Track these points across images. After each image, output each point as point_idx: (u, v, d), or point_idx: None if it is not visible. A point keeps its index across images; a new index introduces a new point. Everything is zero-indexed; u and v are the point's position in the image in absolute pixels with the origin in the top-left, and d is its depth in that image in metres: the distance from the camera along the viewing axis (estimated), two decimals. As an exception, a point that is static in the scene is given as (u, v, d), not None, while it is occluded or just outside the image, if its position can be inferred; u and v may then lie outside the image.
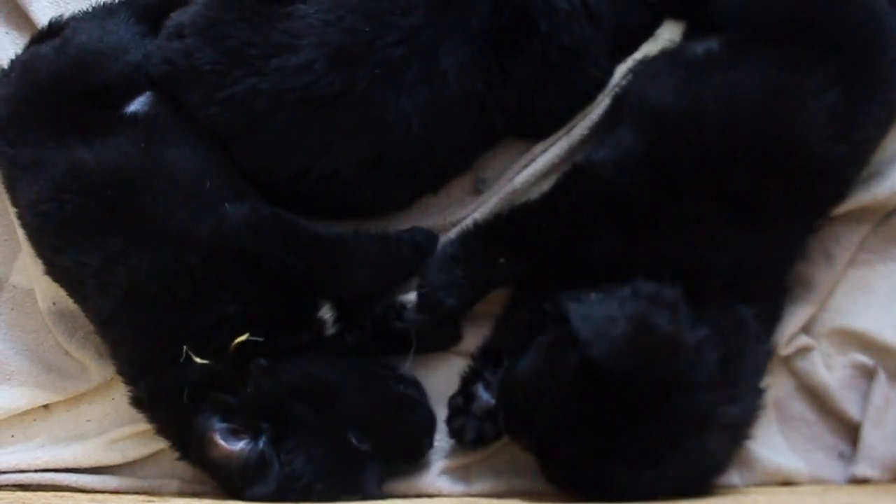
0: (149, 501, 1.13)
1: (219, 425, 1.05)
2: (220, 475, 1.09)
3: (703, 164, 1.10)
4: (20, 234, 1.25)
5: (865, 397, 1.23)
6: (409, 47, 1.12)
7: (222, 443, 1.05)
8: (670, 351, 1.00)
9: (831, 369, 1.24)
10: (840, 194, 1.20)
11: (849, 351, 1.25)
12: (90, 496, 1.19)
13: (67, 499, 1.12)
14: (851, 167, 1.18)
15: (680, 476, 1.03)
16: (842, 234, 1.24)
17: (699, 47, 1.18)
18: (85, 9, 1.28)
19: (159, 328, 1.11)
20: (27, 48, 1.26)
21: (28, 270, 1.29)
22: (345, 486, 1.09)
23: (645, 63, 1.24)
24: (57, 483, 1.23)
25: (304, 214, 1.20)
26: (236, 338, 1.08)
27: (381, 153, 1.16)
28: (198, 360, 1.07)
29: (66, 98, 1.18)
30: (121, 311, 1.12)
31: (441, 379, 1.25)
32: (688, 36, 1.26)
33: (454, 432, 1.20)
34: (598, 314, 1.02)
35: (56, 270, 1.19)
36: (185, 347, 1.07)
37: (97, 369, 1.26)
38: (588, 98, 1.27)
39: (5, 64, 1.25)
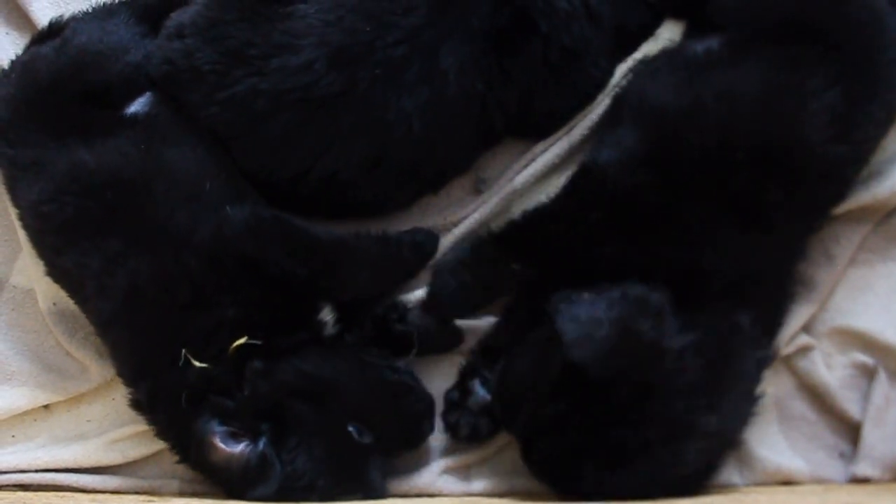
0: (149, 501, 1.13)
1: (218, 428, 1.05)
2: (221, 478, 1.09)
3: (703, 164, 1.10)
4: (21, 234, 1.25)
5: (866, 397, 1.23)
6: (410, 47, 1.12)
7: (222, 446, 1.04)
8: (651, 356, 1.01)
9: (832, 369, 1.24)
10: (840, 194, 1.20)
11: (849, 350, 1.25)
12: (91, 496, 1.19)
13: (68, 499, 1.12)
14: (851, 167, 1.18)
15: (651, 480, 1.03)
16: (842, 233, 1.24)
17: (699, 47, 1.18)
18: (85, 9, 1.27)
19: (158, 331, 1.10)
20: (27, 49, 1.26)
21: (28, 271, 1.29)
22: (349, 481, 1.09)
23: (645, 63, 1.24)
24: (57, 483, 1.23)
25: (305, 215, 1.20)
26: (235, 341, 1.08)
27: (381, 153, 1.16)
28: (196, 363, 1.07)
29: (67, 99, 1.18)
30: (120, 314, 1.12)
31: (441, 378, 1.25)
32: (688, 35, 1.26)
33: (449, 427, 1.20)
34: (584, 316, 1.02)
35: (57, 271, 1.19)
36: (183, 351, 1.07)
37: (97, 369, 1.26)
38: (588, 98, 1.27)
39: (5, 64, 1.25)
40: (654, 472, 1.03)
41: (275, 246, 1.12)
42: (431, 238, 1.26)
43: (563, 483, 1.07)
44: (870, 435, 1.21)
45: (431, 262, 1.26)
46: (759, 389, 1.13)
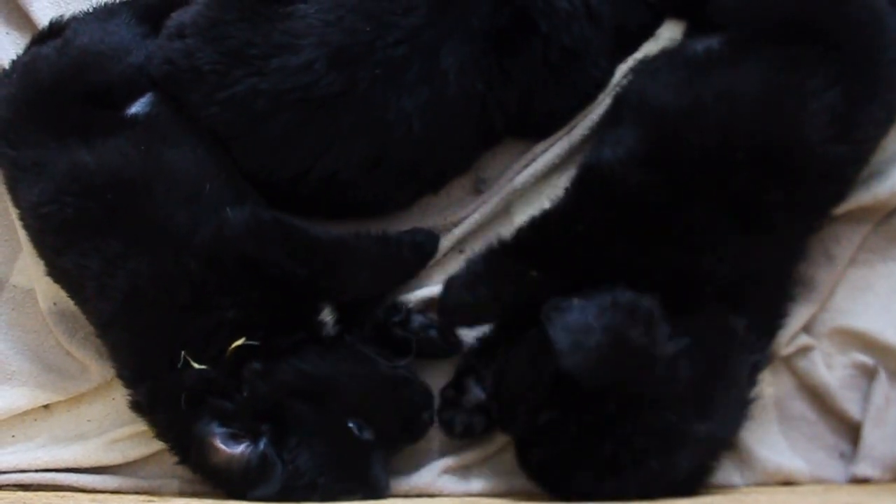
0: (149, 501, 1.13)
1: (218, 430, 1.05)
2: (222, 479, 1.09)
3: (704, 164, 1.10)
4: (21, 234, 1.25)
5: (866, 397, 1.23)
6: (410, 47, 1.12)
7: (223, 447, 1.04)
8: (642, 365, 1.01)
9: (832, 369, 1.24)
10: (840, 194, 1.20)
11: (849, 350, 1.25)
12: (91, 496, 1.19)
13: (68, 499, 1.12)
14: (852, 167, 1.18)
15: (644, 486, 1.03)
16: (842, 233, 1.24)
17: (700, 47, 1.18)
18: (86, 9, 1.28)
19: (158, 332, 1.10)
20: (28, 49, 1.26)
21: (29, 271, 1.29)
22: (351, 478, 1.09)
23: (645, 62, 1.25)
24: (57, 483, 1.23)
25: (305, 215, 1.20)
26: (234, 342, 1.08)
27: (381, 153, 1.16)
28: (195, 365, 1.07)
29: (68, 99, 1.18)
30: (120, 315, 1.12)
31: (438, 375, 1.24)
32: (688, 35, 1.26)
33: (443, 424, 1.20)
34: (575, 324, 1.02)
35: (57, 272, 1.19)
36: (182, 353, 1.07)
37: (98, 369, 1.26)
38: (588, 98, 1.27)
39: (6, 65, 1.25)
40: (647, 478, 1.03)
41: (275, 247, 1.12)
42: (431, 238, 1.26)
43: (557, 487, 1.07)
44: (870, 435, 1.21)
45: (431, 263, 1.26)
46: (755, 391, 1.13)
